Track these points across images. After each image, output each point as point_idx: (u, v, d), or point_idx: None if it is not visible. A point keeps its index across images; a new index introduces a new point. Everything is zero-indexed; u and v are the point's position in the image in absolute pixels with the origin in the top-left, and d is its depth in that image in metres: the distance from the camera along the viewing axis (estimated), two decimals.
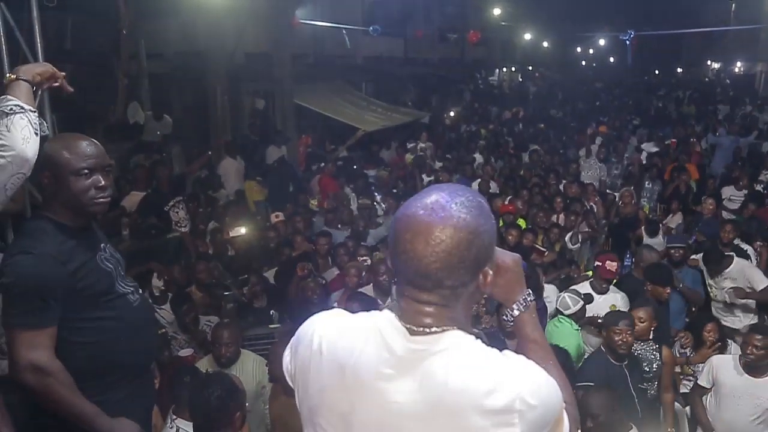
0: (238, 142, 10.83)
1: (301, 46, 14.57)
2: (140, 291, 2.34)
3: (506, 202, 8.27)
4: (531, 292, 1.43)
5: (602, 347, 4.27)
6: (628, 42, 16.57)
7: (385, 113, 15.00)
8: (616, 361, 4.11)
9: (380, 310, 1.35)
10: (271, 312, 5.27)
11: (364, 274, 5.75)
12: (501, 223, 7.62)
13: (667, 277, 5.14)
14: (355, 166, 12.10)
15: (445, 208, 1.17)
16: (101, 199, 2.17)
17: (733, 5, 30.83)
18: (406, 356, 1.21)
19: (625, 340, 4.04)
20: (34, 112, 2.14)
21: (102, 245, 2.24)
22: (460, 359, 1.19)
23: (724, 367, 4.19)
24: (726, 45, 28.74)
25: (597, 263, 5.35)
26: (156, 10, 9.38)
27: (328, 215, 7.99)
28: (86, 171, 2.11)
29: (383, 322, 1.26)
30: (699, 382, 4.30)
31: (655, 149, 11.76)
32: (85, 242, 2.16)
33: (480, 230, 1.19)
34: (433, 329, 1.21)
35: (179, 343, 4.73)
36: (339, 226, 7.95)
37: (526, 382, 1.17)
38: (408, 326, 1.23)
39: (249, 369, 4.18)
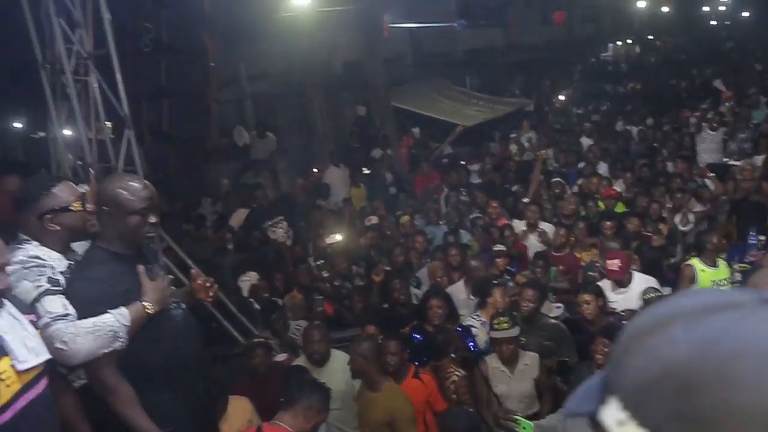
0: (341, 151, 11.24)
1: (398, 49, 14.80)
2: (183, 306, 2.59)
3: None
4: None
5: None
6: None
7: (486, 105, 14.78)
8: None
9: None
10: None
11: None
12: (601, 207, 7.29)
13: None
14: (463, 162, 12.06)
15: None
16: (151, 234, 2.52)
17: None
18: None
19: None
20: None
21: (149, 265, 2.52)
22: None
23: None
24: None
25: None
26: (254, 35, 10.01)
27: (431, 213, 8.14)
28: (143, 210, 2.39)
29: None
30: None
31: None
32: (133, 266, 2.45)
33: None
34: None
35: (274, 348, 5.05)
36: (440, 222, 8.06)
37: None
38: None
39: (339, 368, 4.35)
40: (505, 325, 4.05)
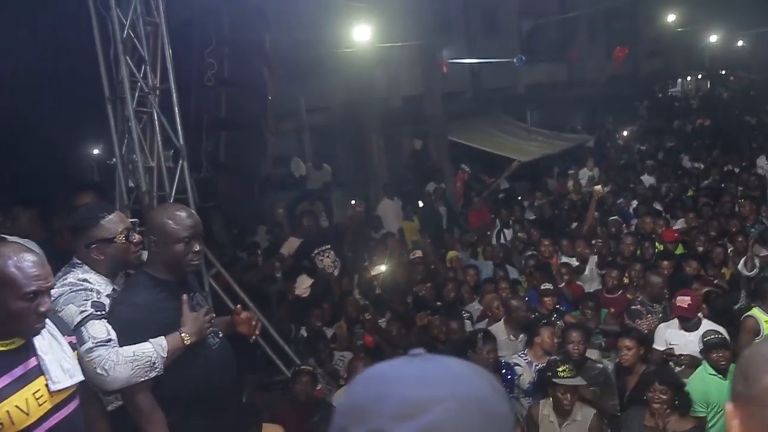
0: (396, 184, 11.34)
1: (459, 83, 14.89)
2: (220, 335, 2.68)
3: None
4: None
5: None
6: None
7: (545, 141, 14.63)
8: None
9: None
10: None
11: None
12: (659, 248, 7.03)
13: None
14: (520, 197, 11.92)
15: None
16: (196, 262, 2.60)
17: None
18: None
19: None
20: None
21: (191, 294, 2.62)
22: None
23: None
24: None
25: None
26: (315, 69, 10.38)
27: (487, 248, 8.10)
28: (187, 239, 2.51)
29: None
30: None
31: None
32: (176, 292, 2.55)
33: None
34: None
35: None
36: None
37: None
38: None
39: None
40: (570, 373, 3.81)
